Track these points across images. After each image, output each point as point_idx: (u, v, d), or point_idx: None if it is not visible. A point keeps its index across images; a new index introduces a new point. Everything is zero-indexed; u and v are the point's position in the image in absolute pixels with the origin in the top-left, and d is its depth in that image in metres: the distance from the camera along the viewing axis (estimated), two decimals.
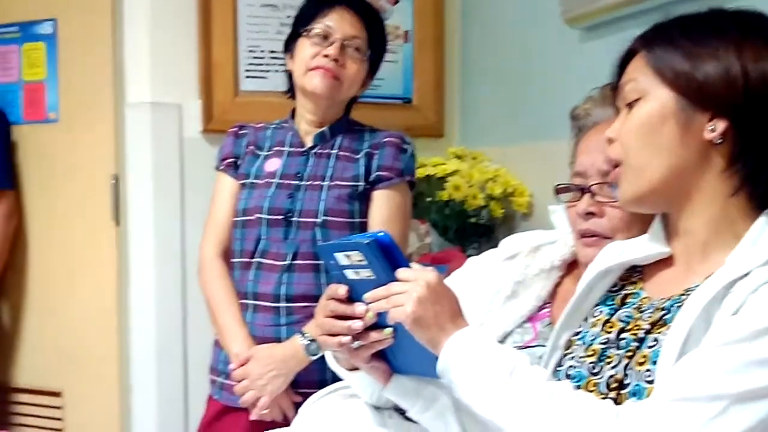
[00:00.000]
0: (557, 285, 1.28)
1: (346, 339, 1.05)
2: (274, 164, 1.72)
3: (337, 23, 1.67)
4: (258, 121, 1.83)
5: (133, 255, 2.24)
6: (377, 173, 1.70)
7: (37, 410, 2.39)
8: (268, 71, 2.28)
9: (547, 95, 2.08)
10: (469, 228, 2.22)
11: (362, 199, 1.69)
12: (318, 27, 1.68)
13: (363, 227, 1.69)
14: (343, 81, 1.67)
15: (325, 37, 1.67)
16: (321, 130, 1.73)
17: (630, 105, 1.01)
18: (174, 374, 2.21)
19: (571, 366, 1.04)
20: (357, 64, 1.69)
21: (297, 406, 1.55)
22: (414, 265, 1.04)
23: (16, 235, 2.37)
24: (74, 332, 2.33)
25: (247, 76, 2.28)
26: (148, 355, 2.22)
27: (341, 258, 1.04)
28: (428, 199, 2.21)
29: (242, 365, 1.62)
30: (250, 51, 2.27)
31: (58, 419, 2.36)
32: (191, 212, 2.19)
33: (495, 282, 1.28)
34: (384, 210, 1.70)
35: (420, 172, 2.17)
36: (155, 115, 2.22)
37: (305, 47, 1.68)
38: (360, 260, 1.02)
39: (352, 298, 1.06)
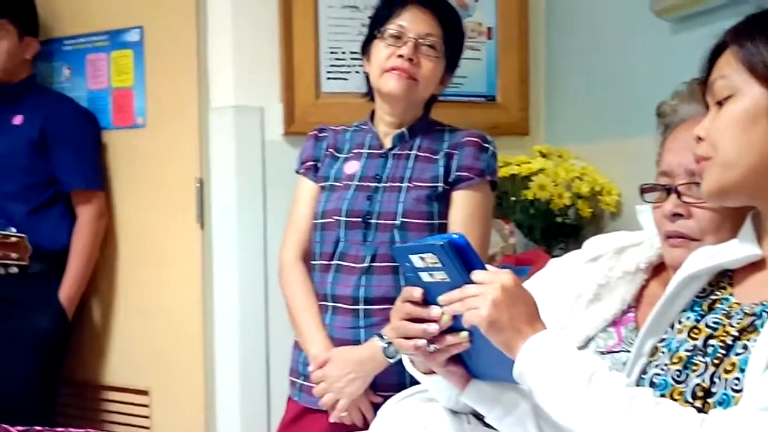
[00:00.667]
0: (643, 288, 1.25)
1: (421, 342, 1.05)
2: (353, 167, 1.74)
3: (411, 22, 1.68)
4: (339, 123, 1.85)
5: (216, 257, 2.31)
6: (457, 173, 1.69)
7: (126, 408, 2.48)
8: (348, 72, 2.30)
9: (637, 90, 2.03)
10: (555, 228, 2.19)
11: (442, 200, 1.69)
12: (391, 27, 1.68)
13: (442, 228, 1.69)
14: (419, 80, 1.68)
15: (399, 37, 1.68)
16: (400, 131, 1.74)
17: (720, 103, 0.98)
18: (257, 374, 2.26)
19: (655, 374, 1.02)
20: (432, 63, 1.69)
21: (376, 407, 1.56)
22: (490, 267, 1.03)
23: (107, 235, 2.47)
24: (161, 332, 2.41)
25: (328, 78, 2.31)
26: (231, 356, 2.27)
27: (416, 260, 1.05)
28: (513, 199, 2.19)
29: (320, 368, 1.65)
30: (332, 53, 2.30)
31: (146, 417, 2.45)
32: (273, 214, 2.23)
33: (577, 285, 1.25)
34: (464, 211, 1.69)
35: (504, 171, 2.15)
36: (238, 118, 2.27)
37: (380, 49, 1.70)
38: (434, 262, 1.02)
39: (427, 301, 1.06)
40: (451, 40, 1.72)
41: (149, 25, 2.41)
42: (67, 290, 2.36)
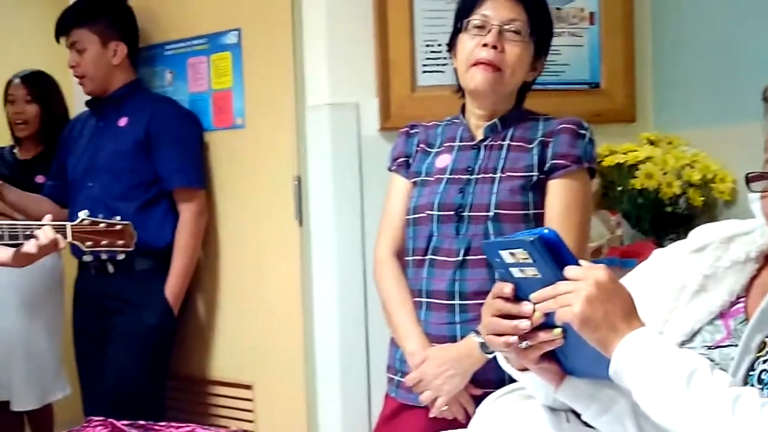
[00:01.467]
0: (754, 278, 1.18)
1: (513, 339, 1.04)
2: (444, 160, 1.73)
3: (493, 10, 1.66)
4: (436, 116, 1.85)
5: (315, 254, 2.34)
6: (552, 161, 1.66)
7: (231, 402, 2.55)
8: (445, 65, 2.27)
9: (752, 70, 1.93)
10: (665, 218, 2.12)
11: (537, 189, 1.66)
12: (475, 18, 1.67)
13: (538, 219, 1.66)
14: (505, 69, 1.65)
15: (483, 26, 1.66)
16: (491, 122, 1.72)
17: None
18: (356, 370, 2.27)
19: (764, 370, 0.96)
20: (518, 48, 1.66)
21: (477, 400, 1.56)
22: (583, 262, 1.01)
23: (209, 233, 2.55)
24: (263, 328, 2.47)
25: (425, 71, 2.30)
26: (331, 351, 2.30)
27: (506, 256, 1.03)
28: (619, 188, 2.13)
29: (418, 367, 1.65)
30: (427, 45, 2.29)
31: (250, 411, 2.51)
32: (370, 210, 2.23)
33: (681, 276, 1.20)
34: (561, 200, 1.66)
35: (610, 160, 2.10)
36: (334, 115, 2.29)
37: (465, 42, 1.69)
38: (525, 258, 1.01)
39: (518, 297, 1.05)
40: (537, 23, 1.69)
41: (246, 26, 2.47)
42: (172, 287, 2.45)
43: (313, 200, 2.35)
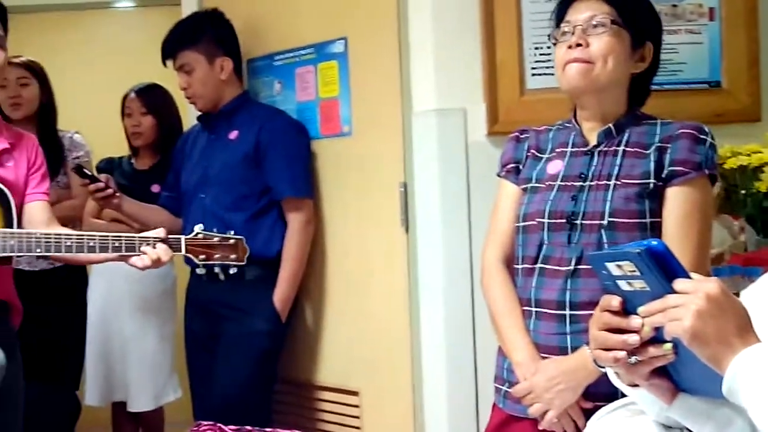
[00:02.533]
0: None
1: (621, 354, 1.03)
2: (556, 166, 1.72)
3: (573, 14, 1.68)
4: (545, 119, 1.84)
5: (421, 260, 2.36)
6: (671, 168, 1.62)
7: (338, 408, 2.61)
8: (554, 67, 2.27)
9: None
10: None
11: (654, 197, 1.62)
12: (563, 27, 1.70)
13: (655, 228, 1.62)
14: (595, 61, 1.64)
15: (568, 32, 1.68)
16: (605, 127, 1.69)
17: None
18: (464, 379, 2.28)
19: None
20: (604, 38, 1.64)
21: (587, 413, 1.54)
22: (693, 275, 0.99)
23: (316, 240, 2.62)
24: (369, 334, 2.52)
25: (533, 74, 2.29)
26: (438, 359, 2.32)
27: (613, 268, 1.03)
28: (743, 192, 2.06)
29: (527, 379, 1.65)
30: (536, 48, 2.28)
31: (357, 417, 2.56)
32: (477, 216, 2.24)
33: None
34: (680, 208, 1.62)
35: (732, 162, 2.03)
36: (440, 121, 2.31)
37: (556, 52, 1.72)
38: (632, 271, 1.00)
39: (627, 310, 1.04)
40: (625, 12, 1.67)
41: (353, 35, 2.52)
42: (280, 294, 2.53)
43: (419, 207, 2.37)
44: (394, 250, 2.43)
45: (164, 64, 2.66)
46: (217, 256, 2.14)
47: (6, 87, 3.02)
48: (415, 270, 2.39)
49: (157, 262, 2.06)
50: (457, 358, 2.29)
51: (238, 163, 2.55)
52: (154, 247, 2.04)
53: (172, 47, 2.61)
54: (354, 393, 2.56)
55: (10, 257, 2.06)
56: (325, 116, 2.62)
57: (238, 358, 2.51)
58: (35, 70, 3.12)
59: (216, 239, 2.14)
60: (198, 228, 2.14)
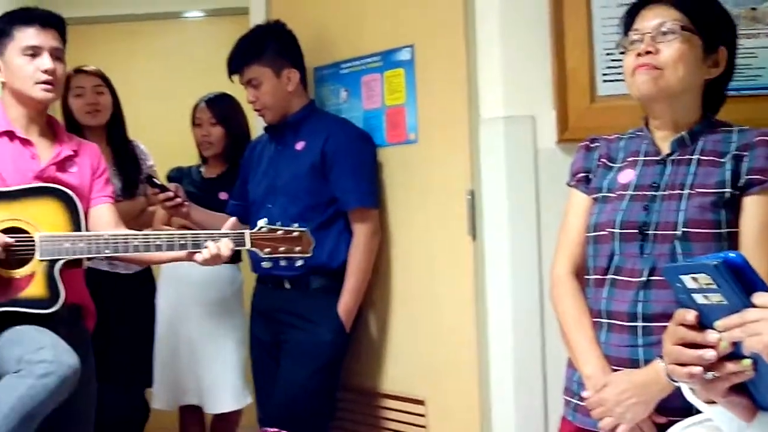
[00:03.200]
0: None
1: (697, 370, 1.02)
2: (627, 175, 1.70)
3: (642, 22, 1.67)
4: (616, 128, 1.83)
5: (489, 269, 2.36)
6: (748, 177, 1.59)
7: (403, 416, 2.62)
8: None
9: None
10: None
11: (730, 207, 1.60)
12: (632, 35, 1.68)
13: (732, 238, 1.59)
14: (665, 67, 1.62)
15: (637, 40, 1.67)
16: (679, 135, 1.68)
17: None
18: (532, 389, 2.27)
19: None
20: (675, 44, 1.63)
21: (661, 428, 1.52)
22: None
23: (381, 249, 2.64)
24: (435, 343, 2.52)
25: (605, 80, 2.26)
26: (505, 370, 2.31)
27: (688, 281, 1.02)
28: None
29: (597, 392, 1.63)
30: (607, 54, 2.25)
31: (422, 426, 2.56)
32: (547, 225, 2.23)
33: None
34: (758, 218, 1.59)
35: None
36: (508, 128, 2.31)
37: (625, 60, 1.70)
38: (709, 284, 0.98)
39: (703, 324, 1.03)
40: (696, 17, 1.65)
41: (419, 42, 2.54)
42: (344, 304, 2.55)
43: (487, 215, 2.37)
44: (461, 258, 2.44)
45: (231, 79, 2.72)
46: (281, 249, 2.17)
47: (82, 95, 3.12)
48: (482, 278, 2.39)
49: (216, 258, 2.11)
50: (525, 368, 2.29)
51: (305, 173, 2.58)
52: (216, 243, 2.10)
53: (237, 62, 2.66)
54: (420, 402, 2.57)
55: (81, 260, 2.14)
56: (391, 124, 2.64)
57: (301, 367, 2.55)
58: (107, 79, 3.22)
59: (280, 232, 2.18)
60: (262, 222, 2.18)
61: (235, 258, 3.11)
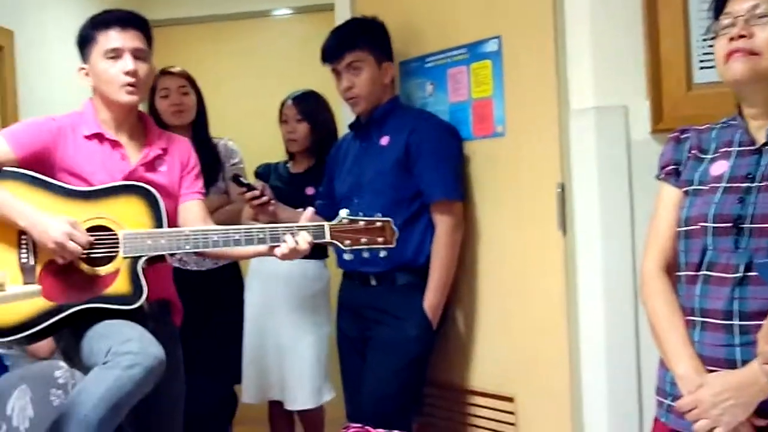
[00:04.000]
0: None
1: None
2: (720, 167, 1.66)
3: (734, 5, 1.62)
4: (713, 116, 1.78)
5: (580, 264, 2.34)
6: None
7: (492, 413, 2.62)
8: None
9: None
10: None
11: None
12: (721, 20, 1.64)
13: None
14: (761, 52, 1.58)
15: (729, 25, 1.62)
16: None
17: None
18: (626, 388, 2.25)
19: None
20: None
21: (760, 430, 1.49)
22: None
23: (469, 244, 2.64)
24: (525, 340, 2.52)
25: (702, 68, 2.20)
26: (598, 367, 2.29)
27: None
28: None
29: (692, 393, 1.59)
30: (704, 39, 2.19)
31: (512, 424, 2.56)
32: (641, 219, 2.20)
33: None
34: None
35: None
36: (599, 119, 2.28)
37: (717, 45, 1.65)
38: None
39: None
40: None
41: (506, 33, 2.54)
42: (430, 300, 2.56)
43: (577, 208, 2.35)
44: (551, 252, 2.42)
45: (329, 62, 2.69)
46: (363, 240, 2.18)
47: (168, 96, 3.24)
48: (573, 273, 2.37)
49: (294, 252, 2.14)
50: (618, 365, 2.26)
51: (389, 168, 2.60)
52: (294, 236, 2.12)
53: (340, 46, 2.67)
54: (509, 399, 2.57)
55: (164, 256, 2.21)
56: (478, 117, 2.63)
57: (386, 363, 2.57)
58: (192, 80, 3.32)
59: (362, 223, 2.18)
60: (343, 213, 2.19)
61: (321, 254, 3.17)
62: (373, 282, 2.63)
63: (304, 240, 2.15)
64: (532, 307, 2.49)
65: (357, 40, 2.66)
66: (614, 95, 2.29)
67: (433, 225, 2.59)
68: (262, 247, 2.19)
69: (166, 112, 3.23)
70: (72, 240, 2.07)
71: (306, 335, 3.17)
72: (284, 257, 2.16)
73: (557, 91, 2.40)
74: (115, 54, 2.24)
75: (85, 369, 2.08)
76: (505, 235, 2.57)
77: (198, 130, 3.30)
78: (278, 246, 2.16)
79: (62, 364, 2.62)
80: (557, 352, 2.41)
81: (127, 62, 2.24)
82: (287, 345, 3.18)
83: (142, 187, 2.20)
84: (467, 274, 2.68)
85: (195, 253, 2.39)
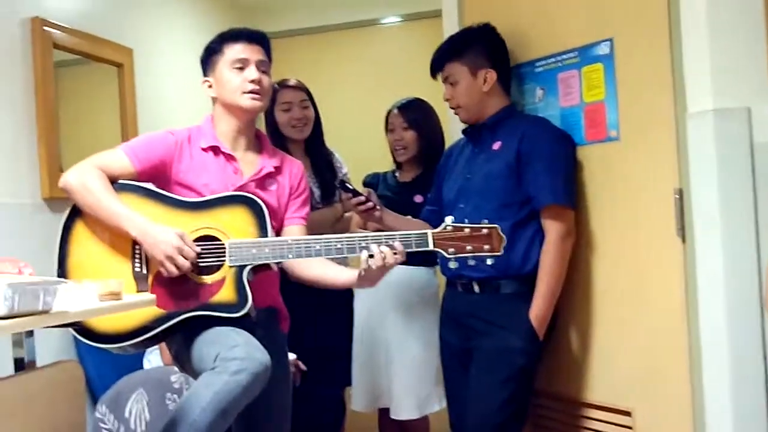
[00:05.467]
0: None
1: None
2: None
3: None
4: None
5: (701, 273, 2.26)
6: None
7: (608, 427, 2.55)
8: None
9: None
10: None
11: None
12: None
13: None
14: None
15: None
16: None
17: None
18: (753, 402, 2.15)
19: None
20: None
21: None
22: None
23: (580, 252, 2.58)
24: (643, 351, 2.44)
25: None
26: (721, 380, 2.20)
27: None
28: None
29: None
30: None
31: None
32: (765, 224, 2.12)
33: None
34: None
35: None
36: (719, 122, 2.20)
37: None
38: None
39: None
40: None
41: (619, 35, 2.48)
42: (536, 309, 2.51)
43: (697, 215, 2.27)
44: (669, 260, 2.35)
45: (433, 76, 2.78)
46: (468, 248, 2.14)
47: (290, 110, 3.29)
48: (693, 283, 2.29)
49: (382, 269, 2.14)
50: (743, 378, 2.17)
51: (500, 173, 2.57)
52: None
53: (439, 60, 2.73)
54: (626, 413, 2.50)
55: (269, 264, 2.25)
56: (590, 121, 2.58)
57: (491, 375, 2.53)
58: (310, 93, 3.38)
59: (467, 230, 2.14)
60: (448, 220, 2.17)
61: (430, 261, 3.16)
62: (477, 289, 2.60)
63: (391, 254, 2.14)
64: (650, 317, 2.42)
65: (454, 53, 2.69)
66: (735, 96, 2.21)
67: (541, 232, 2.54)
68: (352, 278, 2.23)
69: (286, 126, 3.29)
70: (181, 254, 2.14)
71: (414, 343, 3.17)
72: (379, 270, 2.16)
73: (673, 94, 2.33)
74: (242, 65, 2.35)
75: (195, 374, 2.14)
76: (620, 243, 2.50)
77: (315, 143, 3.36)
78: (366, 268, 2.16)
79: (177, 368, 2.71)
80: (678, 363, 2.33)
81: (252, 71, 2.35)
82: (395, 352, 3.19)
83: (248, 197, 2.26)
84: (579, 283, 2.61)
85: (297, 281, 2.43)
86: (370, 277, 2.21)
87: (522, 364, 2.53)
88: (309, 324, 2.96)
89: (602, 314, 2.58)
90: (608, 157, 2.53)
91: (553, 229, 2.52)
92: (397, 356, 3.18)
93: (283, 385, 2.41)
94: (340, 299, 3.33)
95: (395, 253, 2.14)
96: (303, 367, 3.02)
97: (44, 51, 3.12)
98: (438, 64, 2.73)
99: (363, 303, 3.29)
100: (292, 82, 3.34)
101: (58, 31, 3.23)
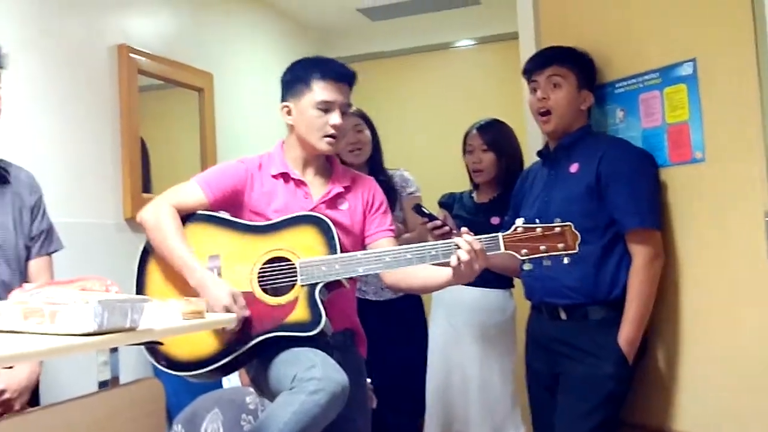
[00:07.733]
0: None
1: None
2: None
3: None
4: None
5: None
6: None
7: None
8: None
9: None
10: None
11: None
12: None
13: None
14: None
15: None
16: None
17: None
18: None
19: None
20: None
21: None
22: None
23: (667, 277, 2.50)
24: (735, 381, 2.35)
25: None
26: None
27: None
28: None
29: None
30: None
31: None
32: None
33: None
34: None
35: None
36: None
37: None
38: None
39: None
40: None
41: (702, 55, 2.42)
42: (625, 334, 2.43)
43: None
44: (761, 286, 2.26)
45: (532, 72, 2.68)
46: (542, 248, 2.10)
47: (345, 135, 3.32)
48: None
49: (469, 264, 2.09)
50: None
51: (579, 196, 2.51)
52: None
53: (546, 59, 2.65)
54: None
55: (341, 282, 2.25)
56: (673, 142, 2.52)
57: (580, 401, 2.47)
58: (365, 116, 3.41)
59: (539, 230, 2.10)
60: (519, 221, 2.13)
61: (506, 283, 3.13)
62: (563, 316, 2.55)
63: (471, 246, 2.10)
64: (740, 345, 2.33)
65: (564, 57, 2.64)
66: None
67: (628, 256, 2.47)
68: (446, 276, 2.19)
69: (343, 151, 3.32)
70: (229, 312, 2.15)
71: (490, 367, 3.13)
72: (467, 267, 2.11)
73: (761, 113, 2.26)
74: (328, 107, 2.35)
75: (273, 397, 2.15)
76: (709, 266, 2.42)
77: (373, 165, 3.38)
78: (458, 265, 2.12)
79: (252, 390, 2.72)
80: None
81: (336, 117, 2.34)
82: (471, 377, 3.15)
83: (315, 216, 2.27)
84: (667, 307, 2.53)
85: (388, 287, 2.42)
86: (461, 274, 2.15)
87: (612, 390, 2.46)
88: (380, 348, 2.95)
89: (691, 340, 2.49)
90: (694, 178, 2.46)
91: (640, 252, 2.45)
92: (473, 381, 3.14)
93: (362, 411, 2.39)
94: (412, 321, 3.32)
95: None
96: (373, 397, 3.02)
97: (130, 77, 3.22)
98: (546, 61, 2.64)
99: (438, 326, 3.27)
100: None
101: (143, 58, 3.33)
